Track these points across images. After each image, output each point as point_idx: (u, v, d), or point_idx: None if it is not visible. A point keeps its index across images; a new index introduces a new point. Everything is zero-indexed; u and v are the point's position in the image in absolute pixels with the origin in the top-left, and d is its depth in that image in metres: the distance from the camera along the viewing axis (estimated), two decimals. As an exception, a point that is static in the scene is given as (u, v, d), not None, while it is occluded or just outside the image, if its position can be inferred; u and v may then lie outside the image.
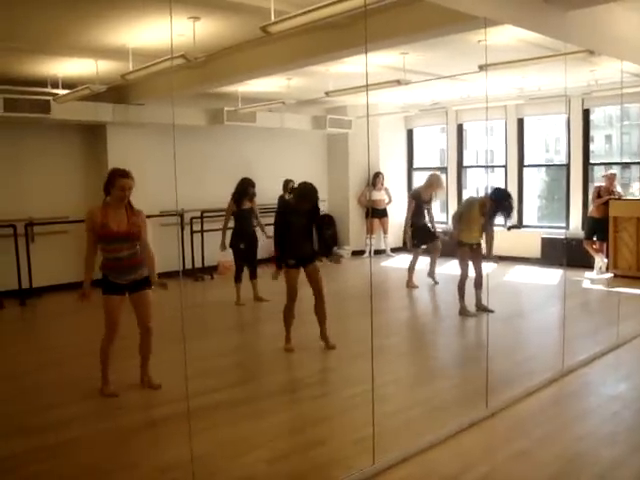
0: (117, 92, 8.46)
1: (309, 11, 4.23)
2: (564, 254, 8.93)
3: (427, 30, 5.05)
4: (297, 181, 10.97)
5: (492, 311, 6.49)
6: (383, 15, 5.00)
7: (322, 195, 11.81)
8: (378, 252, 11.93)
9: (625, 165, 10.57)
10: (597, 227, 9.19)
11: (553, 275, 9.22)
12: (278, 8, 4.66)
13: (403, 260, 10.18)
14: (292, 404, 4.50)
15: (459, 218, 6.90)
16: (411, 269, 8.66)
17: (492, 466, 3.43)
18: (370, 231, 11.75)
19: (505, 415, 4.15)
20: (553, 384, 4.71)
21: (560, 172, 11.59)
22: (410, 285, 8.62)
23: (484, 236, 6.89)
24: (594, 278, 9.04)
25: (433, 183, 8.57)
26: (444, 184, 8.81)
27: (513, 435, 3.86)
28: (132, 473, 3.48)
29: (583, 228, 9.73)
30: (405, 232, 8.93)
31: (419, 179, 12.83)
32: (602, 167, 10.54)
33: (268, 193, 10.62)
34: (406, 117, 12.36)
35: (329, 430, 4.05)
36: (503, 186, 11.05)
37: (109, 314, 4.52)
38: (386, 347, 5.59)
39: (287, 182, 10.64)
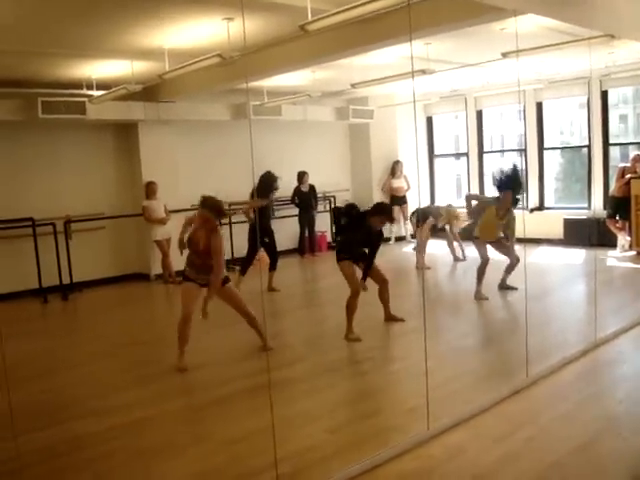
0: (147, 91, 8.71)
1: (349, 8, 4.44)
2: (590, 233, 9.14)
3: (458, 22, 5.29)
4: (319, 172, 11.31)
5: (516, 288, 6.94)
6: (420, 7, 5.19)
7: (346, 184, 12.20)
8: (399, 239, 12.16)
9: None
10: (619, 206, 9.39)
11: (577, 255, 9.44)
12: (313, 6, 4.92)
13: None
14: (343, 380, 4.77)
15: (477, 216, 7.13)
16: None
17: (538, 427, 3.69)
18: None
19: (545, 382, 4.41)
20: (588, 354, 4.95)
21: (577, 154, 11.72)
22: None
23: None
24: (618, 256, 9.25)
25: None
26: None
27: (555, 400, 4.11)
28: (203, 446, 3.74)
29: (605, 208, 9.92)
30: None
31: (440, 166, 13.05)
32: (617, 147, 10.68)
33: (293, 185, 10.86)
34: (425, 105, 12.51)
35: (382, 401, 4.33)
36: (523, 169, 11.30)
37: None
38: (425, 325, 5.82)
39: (302, 174, 10.87)
